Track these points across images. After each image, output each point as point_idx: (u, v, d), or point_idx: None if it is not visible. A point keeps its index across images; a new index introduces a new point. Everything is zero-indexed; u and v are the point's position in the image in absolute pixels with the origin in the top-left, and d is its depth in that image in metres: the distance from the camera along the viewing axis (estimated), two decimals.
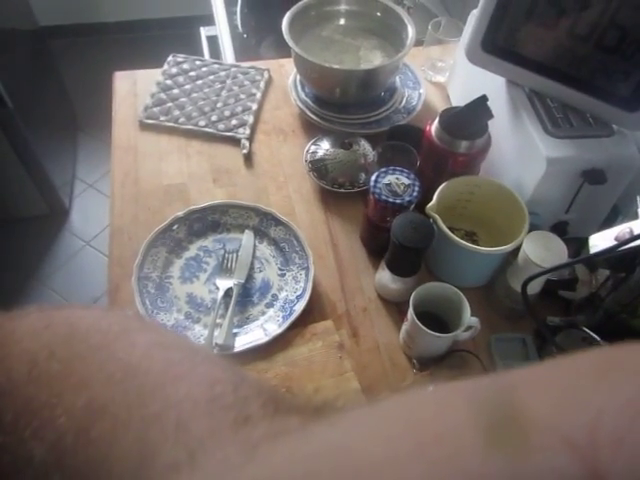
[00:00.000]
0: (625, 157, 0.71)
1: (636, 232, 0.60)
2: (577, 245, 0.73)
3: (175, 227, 0.80)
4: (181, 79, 1.03)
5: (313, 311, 0.75)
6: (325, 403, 0.22)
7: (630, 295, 0.63)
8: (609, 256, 0.62)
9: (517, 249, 0.68)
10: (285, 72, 1.06)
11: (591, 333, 0.66)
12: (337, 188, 0.86)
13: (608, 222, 0.77)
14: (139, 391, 0.23)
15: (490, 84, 0.79)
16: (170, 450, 0.20)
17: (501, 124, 0.77)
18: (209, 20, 1.40)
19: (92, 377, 0.24)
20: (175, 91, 1.00)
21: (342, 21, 0.99)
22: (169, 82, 1.02)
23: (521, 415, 0.13)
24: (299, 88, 0.97)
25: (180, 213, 0.81)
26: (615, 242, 0.62)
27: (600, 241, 0.65)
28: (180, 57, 1.07)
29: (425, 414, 0.14)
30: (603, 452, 0.11)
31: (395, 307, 0.76)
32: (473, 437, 0.12)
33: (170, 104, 0.98)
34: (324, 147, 0.88)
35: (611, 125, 0.72)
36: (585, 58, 0.70)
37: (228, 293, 0.75)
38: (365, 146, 0.88)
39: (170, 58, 1.07)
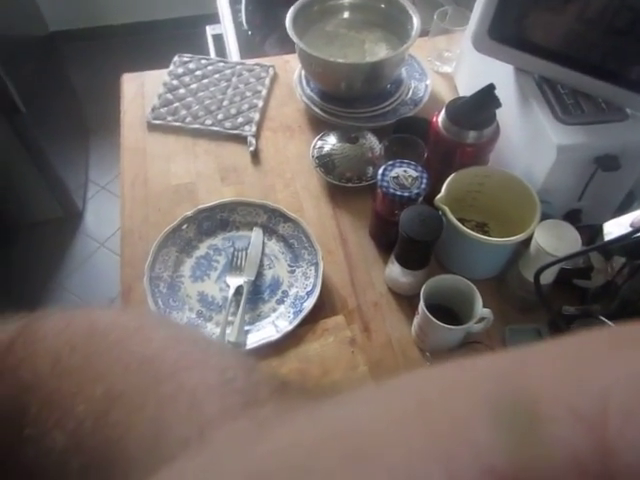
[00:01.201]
0: (639, 142, 0.69)
1: None
2: (591, 233, 0.71)
3: (185, 227, 0.81)
4: (187, 79, 1.03)
5: (324, 307, 0.75)
6: (334, 386, 0.22)
7: None
8: (625, 243, 0.61)
9: (529, 239, 0.67)
10: (290, 68, 1.05)
11: (608, 322, 0.65)
12: (344, 183, 0.85)
13: (623, 208, 0.75)
14: (154, 378, 0.24)
15: (498, 72, 0.78)
16: (182, 427, 0.21)
17: (510, 113, 0.76)
18: (214, 19, 1.40)
19: (110, 369, 0.25)
20: (181, 91, 1.01)
21: (346, 14, 0.98)
22: (175, 82, 1.02)
23: (529, 387, 0.12)
24: (304, 83, 0.97)
25: (189, 212, 0.81)
26: (631, 228, 0.61)
27: (615, 228, 0.64)
28: (186, 57, 1.07)
29: (433, 393, 0.14)
30: (612, 424, 0.11)
31: (406, 301, 0.76)
32: (481, 412, 0.12)
33: (177, 104, 0.99)
34: (331, 142, 0.87)
35: (625, 109, 0.71)
36: (596, 42, 0.68)
37: (239, 291, 0.75)
38: (372, 140, 0.87)
39: (176, 58, 1.07)
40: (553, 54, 0.71)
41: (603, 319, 0.65)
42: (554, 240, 0.64)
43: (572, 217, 0.76)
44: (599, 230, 0.66)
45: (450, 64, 1.03)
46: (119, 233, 0.85)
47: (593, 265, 0.70)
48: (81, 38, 2.47)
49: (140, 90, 1.03)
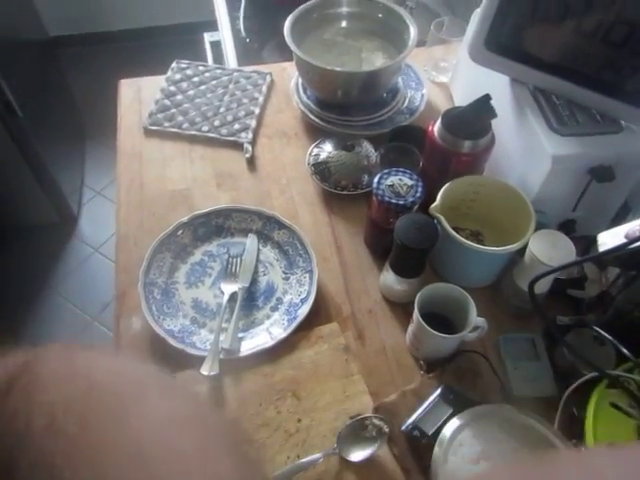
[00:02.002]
0: (634, 153, 0.70)
1: None
2: (586, 243, 0.71)
3: (180, 232, 0.80)
4: (184, 85, 1.03)
5: (318, 314, 0.75)
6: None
7: None
8: (619, 254, 0.61)
9: (524, 248, 0.67)
10: (287, 75, 1.06)
11: (602, 332, 0.65)
12: (340, 190, 0.85)
13: (619, 219, 0.76)
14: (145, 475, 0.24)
15: (493, 83, 0.78)
16: None
17: (505, 123, 0.76)
18: (213, 26, 1.40)
19: (105, 453, 0.25)
20: (179, 97, 1.01)
21: (344, 23, 0.99)
22: (173, 88, 1.02)
23: None
24: (301, 91, 0.97)
25: (184, 218, 0.81)
26: (625, 240, 0.61)
27: (609, 239, 0.64)
28: (184, 63, 1.07)
29: None
30: None
31: (401, 308, 0.76)
32: None
33: (174, 110, 0.99)
34: (327, 149, 0.88)
35: (619, 121, 0.71)
36: (592, 54, 0.69)
37: (233, 297, 0.75)
38: (368, 148, 0.87)
39: (174, 64, 1.07)
40: (549, 66, 0.72)
41: (598, 329, 0.65)
42: (549, 250, 0.64)
43: (567, 227, 0.76)
44: (593, 241, 0.66)
45: (446, 74, 1.04)
46: (114, 239, 0.84)
47: (587, 275, 0.70)
48: (80, 43, 2.48)
49: (137, 96, 1.03)
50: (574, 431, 0.62)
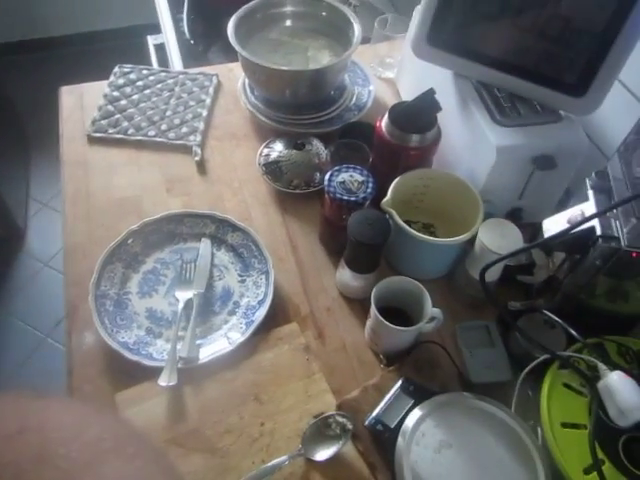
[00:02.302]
0: (574, 142, 0.72)
1: (587, 214, 0.61)
2: (532, 230, 0.74)
3: (130, 241, 0.78)
4: (128, 90, 1.00)
5: (277, 315, 0.74)
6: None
7: (586, 276, 0.65)
8: (564, 239, 0.63)
9: (474, 238, 0.69)
10: (234, 76, 1.04)
11: (551, 315, 0.67)
12: (293, 189, 0.85)
13: (562, 205, 0.78)
14: None
15: (438, 77, 0.80)
16: None
17: (450, 116, 0.78)
18: (156, 29, 1.37)
19: None
20: (123, 102, 0.98)
21: (288, 22, 0.98)
22: (116, 93, 0.99)
23: None
24: (249, 91, 0.96)
25: (135, 226, 0.79)
26: (568, 225, 0.63)
27: (553, 225, 0.67)
28: (126, 67, 1.04)
29: None
30: None
31: (359, 304, 0.76)
32: None
33: (118, 116, 0.96)
34: (277, 149, 0.87)
35: (558, 112, 0.74)
36: (530, 48, 0.71)
37: (189, 304, 0.73)
38: (318, 145, 0.87)
39: (116, 69, 1.04)
40: (489, 59, 0.74)
41: (547, 313, 0.67)
42: (497, 238, 0.66)
43: (514, 215, 0.79)
44: (539, 227, 0.69)
45: (392, 70, 1.05)
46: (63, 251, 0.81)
47: (535, 261, 0.72)
48: (19, 50, 2.38)
49: (79, 102, 1.00)
50: (530, 413, 0.63)
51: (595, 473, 0.56)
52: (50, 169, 1.98)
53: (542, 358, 0.65)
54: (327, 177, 0.72)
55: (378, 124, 0.76)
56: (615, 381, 0.58)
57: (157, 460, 0.30)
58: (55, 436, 0.27)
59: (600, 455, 0.58)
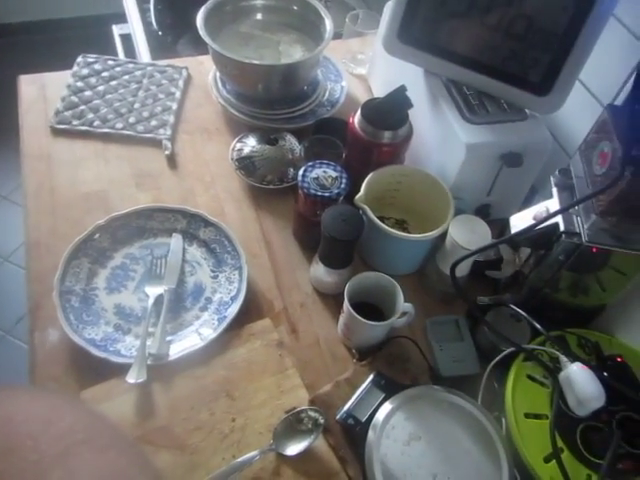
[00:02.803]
0: (539, 140, 0.74)
1: (552, 210, 0.63)
2: (500, 226, 0.76)
3: (97, 236, 0.76)
4: (93, 80, 0.97)
5: (250, 311, 0.74)
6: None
7: (550, 270, 0.67)
8: (529, 235, 0.65)
9: (445, 234, 0.70)
10: (204, 69, 1.03)
11: (517, 309, 0.69)
12: (266, 185, 0.84)
13: (527, 202, 0.81)
14: None
15: (409, 74, 0.80)
16: None
17: (421, 113, 0.79)
18: (122, 18, 1.33)
19: None
20: (87, 93, 0.95)
21: (259, 16, 0.97)
22: (80, 84, 0.96)
23: None
24: (220, 85, 0.95)
25: (101, 221, 0.77)
26: (533, 221, 0.65)
27: (519, 221, 0.68)
28: (91, 57, 1.01)
29: None
30: None
31: (332, 300, 0.76)
32: None
33: (83, 107, 0.93)
34: (250, 144, 0.86)
35: (524, 110, 0.76)
36: (496, 46, 0.73)
37: (159, 300, 0.72)
38: (291, 141, 0.87)
39: (80, 59, 1.01)
40: (458, 57, 0.75)
41: (514, 307, 0.69)
42: (467, 234, 0.68)
43: (482, 212, 0.80)
44: (507, 223, 0.70)
45: (364, 66, 1.06)
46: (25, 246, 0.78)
47: (503, 257, 0.74)
48: None
49: (41, 93, 0.96)
50: (496, 404, 0.65)
51: (554, 461, 0.59)
52: (8, 161, 1.90)
53: (508, 351, 0.67)
54: (301, 173, 0.72)
55: (351, 120, 0.77)
56: (574, 372, 0.61)
57: (130, 452, 0.30)
58: (24, 428, 0.26)
59: (560, 444, 0.60)
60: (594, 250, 0.61)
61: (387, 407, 0.63)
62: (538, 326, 0.66)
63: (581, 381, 0.60)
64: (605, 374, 0.62)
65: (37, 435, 0.26)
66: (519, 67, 0.72)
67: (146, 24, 1.21)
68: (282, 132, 0.88)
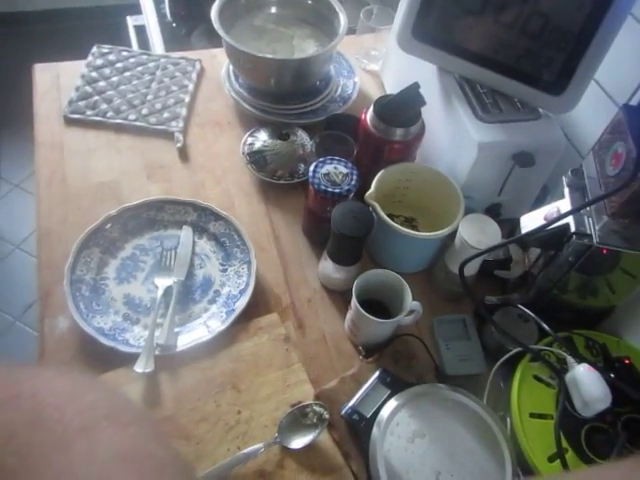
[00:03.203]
0: (551, 140, 0.74)
1: (563, 211, 0.63)
2: (511, 226, 0.75)
3: (108, 226, 0.77)
4: (107, 71, 0.98)
5: (257, 305, 0.74)
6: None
7: (560, 272, 0.67)
8: (539, 235, 0.65)
9: (454, 233, 0.70)
10: (218, 63, 1.03)
11: (525, 310, 0.69)
12: (276, 180, 0.85)
13: (539, 202, 0.80)
14: None
15: (422, 71, 0.80)
16: None
17: (434, 111, 0.78)
18: (136, 9, 1.34)
19: None
20: (101, 84, 0.96)
21: (273, 9, 0.97)
22: (94, 74, 0.97)
23: None
24: (233, 79, 0.95)
25: (113, 211, 0.77)
26: (544, 221, 0.65)
27: (530, 221, 0.68)
28: (105, 48, 1.02)
29: None
30: None
31: (340, 296, 0.76)
32: None
33: (97, 97, 0.94)
34: (261, 138, 0.87)
35: (538, 109, 0.75)
36: (511, 45, 0.72)
37: (168, 292, 0.72)
38: (303, 136, 0.87)
39: (94, 49, 1.01)
40: (472, 55, 0.75)
41: (522, 307, 0.69)
42: (477, 233, 0.67)
43: (493, 211, 0.80)
44: (517, 223, 0.70)
45: (377, 62, 1.05)
46: (36, 234, 0.79)
47: (512, 256, 0.74)
48: None
49: (55, 82, 0.97)
50: (501, 403, 0.65)
51: (558, 461, 0.59)
52: (22, 149, 1.93)
53: (515, 351, 0.67)
54: (312, 168, 0.72)
55: (363, 117, 0.76)
56: (581, 373, 0.61)
57: (150, 428, 0.31)
58: (49, 401, 0.27)
59: (564, 444, 0.60)
60: (604, 252, 0.61)
61: (392, 404, 0.63)
62: (546, 327, 0.66)
63: (587, 382, 0.59)
64: (612, 376, 0.62)
65: (62, 408, 0.27)
66: (533, 66, 0.72)
67: (160, 16, 1.22)
68: (294, 127, 0.88)
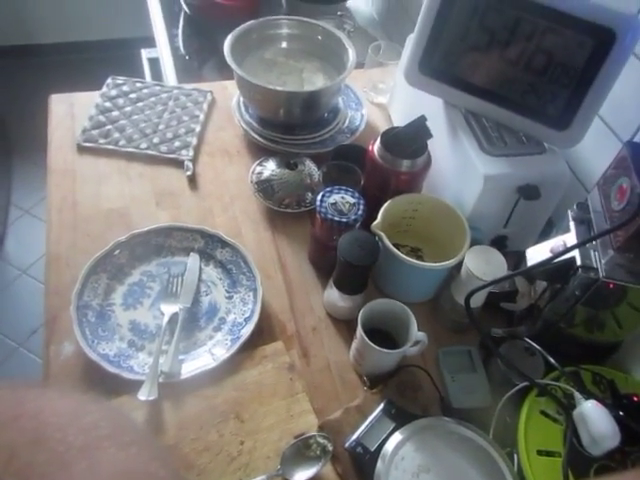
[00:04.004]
0: (557, 173, 0.75)
1: (569, 244, 0.63)
2: (516, 258, 0.75)
3: (117, 252, 0.77)
4: (121, 101, 1.00)
5: (262, 333, 0.74)
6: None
7: (566, 305, 0.66)
8: (546, 268, 0.65)
9: (460, 264, 0.70)
10: (228, 94, 1.05)
11: (532, 343, 0.68)
12: (284, 208, 0.86)
13: (544, 235, 0.81)
14: None
15: (429, 105, 0.82)
16: None
17: (440, 143, 0.80)
18: (150, 42, 1.38)
19: None
20: (115, 113, 0.98)
21: (284, 44, 1.00)
22: (108, 104, 0.99)
23: None
24: (243, 109, 0.97)
25: (122, 238, 0.78)
26: (550, 254, 0.65)
27: (536, 254, 0.68)
28: (120, 79, 1.05)
29: None
30: None
31: (345, 325, 0.76)
32: None
33: (109, 126, 0.96)
34: (270, 167, 0.88)
35: (543, 143, 0.76)
36: (516, 80, 0.74)
37: (174, 318, 0.72)
38: (310, 166, 0.88)
39: (109, 80, 1.04)
40: (477, 90, 0.76)
41: (528, 341, 0.69)
42: (483, 265, 0.67)
43: (499, 243, 0.80)
44: (523, 255, 0.70)
45: (384, 95, 1.07)
46: (44, 260, 0.80)
47: (518, 289, 0.74)
48: (8, 56, 2.36)
49: (70, 111, 0.99)
50: (508, 439, 0.64)
51: None
52: (33, 176, 1.96)
53: (521, 385, 0.66)
54: (319, 197, 0.73)
55: (370, 148, 0.78)
56: (589, 410, 0.59)
57: (151, 448, 0.31)
58: (51, 421, 0.27)
59: None
60: (611, 286, 0.61)
61: (397, 437, 0.62)
62: (552, 361, 0.66)
63: (596, 419, 0.58)
64: (621, 413, 0.61)
65: (65, 428, 0.27)
66: (538, 101, 0.73)
67: (174, 49, 1.25)
68: (302, 157, 0.90)
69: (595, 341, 0.71)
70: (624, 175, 0.60)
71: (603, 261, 0.61)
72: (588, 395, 0.62)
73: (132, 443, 0.29)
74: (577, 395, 0.62)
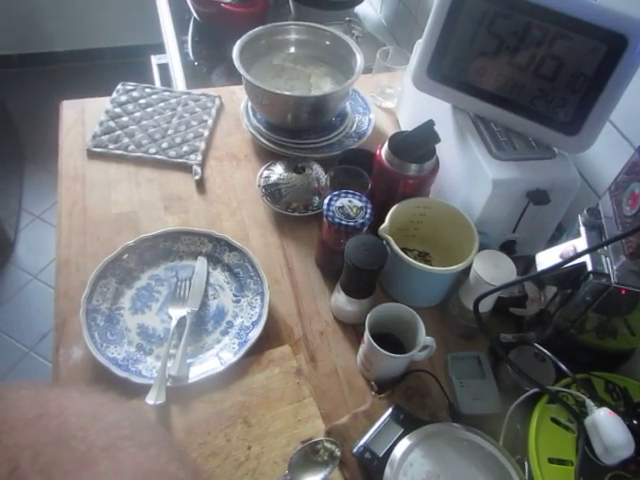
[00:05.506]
0: (566, 179, 0.74)
1: (579, 250, 0.63)
2: (525, 263, 0.75)
3: (125, 256, 0.78)
4: (131, 107, 1.01)
5: (270, 337, 0.74)
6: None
7: (577, 311, 0.65)
8: (556, 273, 0.64)
9: (468, 268, 0.70)
10: (236, 99, 1.06)
11: (542, 349, 0.67)
12: (291, 212, 0.86)
13: (554, 240, 0.80)
14: None
15: (437, 109, 0.81)
16: None
17: (448, 148, 0.79)
18: (160, 49, 1.39)
19: None
20: (124, 119, 0.99)
21: (292, 49, 1.01)
22: (118, 110, 1.00)
23: None
24: (251, 114, 0.97)
25: (130, 242, 0.79)
26: (560, 259, 0.64)
27: (546, 259, 0.68)
28: (130, 85, 1.05)
29: None
30: None
31: (352, 329, 0.76)
32: None
33: (119, 132, 0.97)
34: (277, 172, 0.88)
35: (552, 148, 0.75)
36: (525, 85, 0.73)
37: (181, 322, 0.73)
38: (318, 170, 0.88)
39: (119, 86, 1.05)
40: (487, 95, 0.76)
41: (538, 346, 0.68)
42: (491, 270, 0.67)
43: (507, 248, 0.80)
44: (532, 260, 0.70)
45: (392, 100, 1.07)
46: (54, 264, 0.81)
47: (528, 294, 0.73)
48: (20, 63, 2.40)
49: (80, 117, 1.00)
50: (518, 446, 0.63)
51: None
52: (44, 182, 1.98)
53: (531, 392, 0.65)
54: (326, 201, 0.73)
55: (378, 152, 0.78)
56: (602, 418, 0.58)
57: (171, 449, 0.31)
58: (74, 420, 0.27)
59: None
60: (623, 292, 0.60)
61: (405, 443, 0.61)
62: (564, 367, 0.65)
63: (608, 428, 0.57)
64: (635, 422, 0.60)
65: (87, 427, 0.27)
66: (548, 106, 0.73)
67: (183, 55, 1.26)
68: (309, 161, 0.90)
69: (607, 348, 0.70)
70: (636, 180, 0.60)
71: (615, 267, 0.60)
72: (601, 403, 0.61)
73: (152, 444, 0.30)
74: (589, 403, 0.61)
